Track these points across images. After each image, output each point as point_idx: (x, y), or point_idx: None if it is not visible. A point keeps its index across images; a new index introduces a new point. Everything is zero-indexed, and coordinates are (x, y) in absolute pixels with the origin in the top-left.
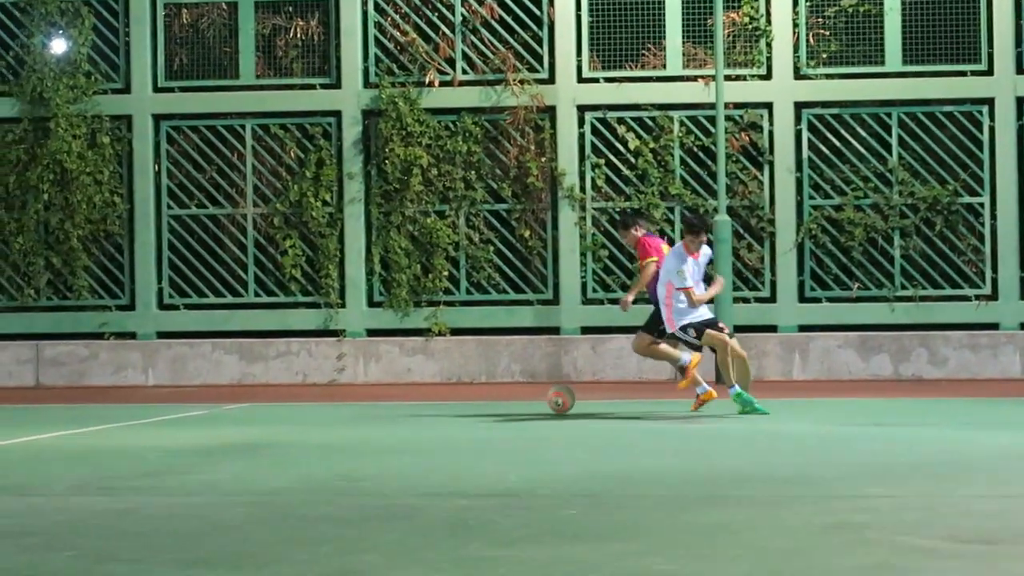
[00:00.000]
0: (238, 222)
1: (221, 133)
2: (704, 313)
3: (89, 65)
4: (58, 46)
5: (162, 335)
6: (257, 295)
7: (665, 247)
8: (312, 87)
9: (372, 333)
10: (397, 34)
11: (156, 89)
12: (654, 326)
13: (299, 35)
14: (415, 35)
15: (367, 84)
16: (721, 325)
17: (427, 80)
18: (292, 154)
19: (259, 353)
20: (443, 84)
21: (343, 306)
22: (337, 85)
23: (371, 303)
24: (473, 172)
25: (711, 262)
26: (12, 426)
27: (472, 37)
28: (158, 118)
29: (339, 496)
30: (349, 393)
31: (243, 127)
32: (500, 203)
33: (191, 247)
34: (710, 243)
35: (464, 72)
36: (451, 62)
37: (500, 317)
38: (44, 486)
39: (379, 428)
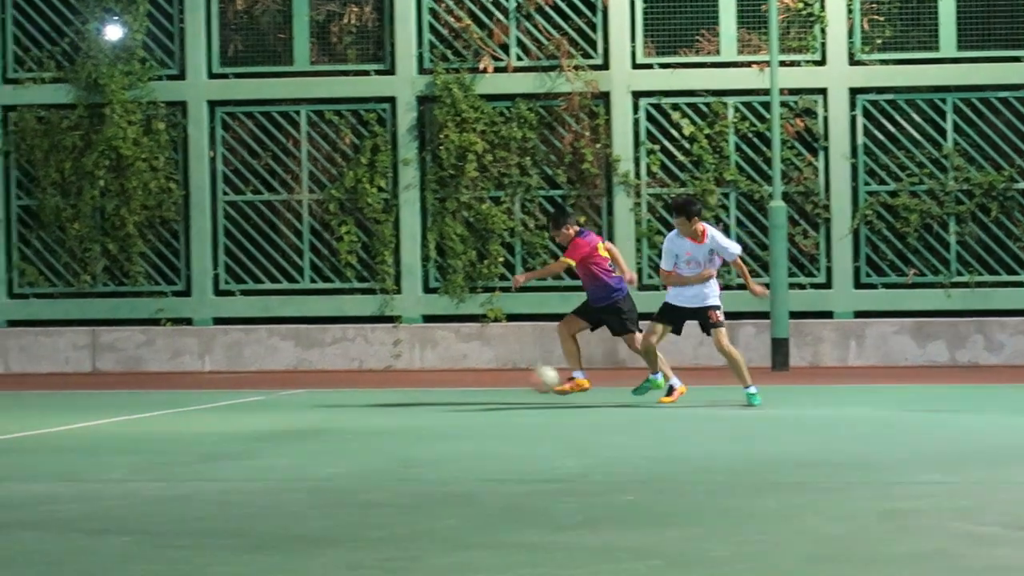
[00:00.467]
0: (293, 208)
1: (276, 119)
2: (688, 298)
3: (144, 51)
4: (113, 32)
5: (218, 321)
6: (313, 281)
7: (602, 246)
8: (366, 73)
9: (428, 319)
10: (451, 20)
11: (211, 75)
12: (583, 313)
13: (353, 21)
14: (469, 21)
15: (421, 70)
16: (716, 317)
17: (481, 66)
18: (347, 140)
19: (315, 339)
20: (497, 70)
21: (399, 292)
22: (391, 71)
23: (427, 289)
24: (528, 158)
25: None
26: (69, 412)
27: (526, 23)
28: (213, 104)
29: (395, 482)
30: (405, 379)
31: (298, 113)
32: (555, 189)
33: (247, 233)
34: (728, 229)
35: (518, 58)
36: (505, 48)
37: (555, 303)
38: (101, 472)
39: (435, 414)
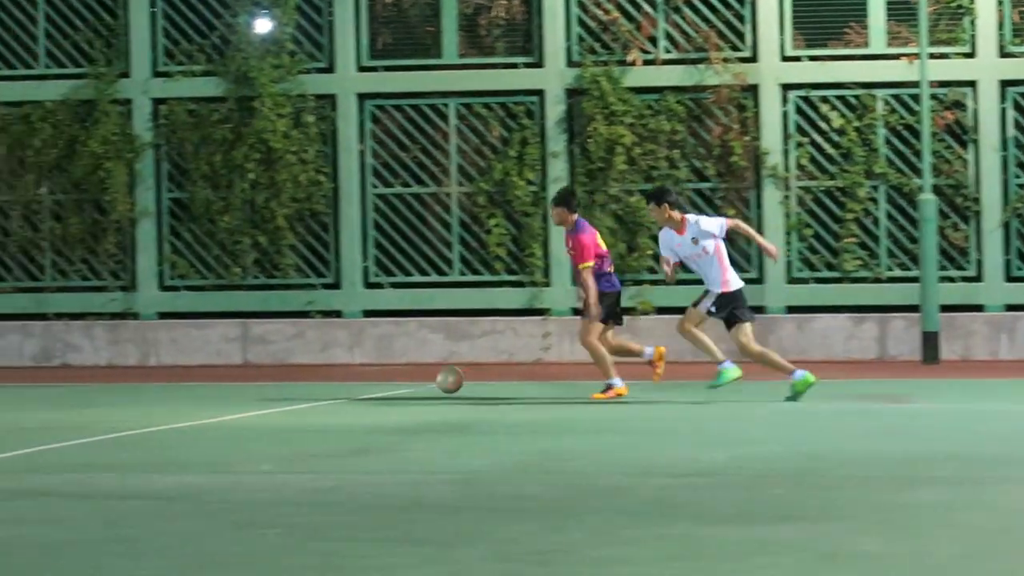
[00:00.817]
0: (442, 201)
1: (425, 112)
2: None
3: (293, 44)
4: (263, 25)
5: (368, 313)
6: (462, 274)
7: (598, 237)
8: (515, 66)
9: (576, 312)
10: (599, 13)
11: (360, 68)
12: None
13: (501, 14)
14: (618, 14)
15: (570, 63)
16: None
17: (630, 59)
18: (496, 133)
19: (464, 331)
20: (646, 63)
21: (548, 285)
22: (540, 64)
23: (576, 282)
24: (677, 151)
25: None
26: (220, 404)
27: (675, 16)
28: (362, 97)
29: (544, 475)
30: (554, 372)
31: (446, 106)
32: (704, 182)
33: (396, 226)
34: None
35: (667, 51)
36: (654, 41)
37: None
38: (252, 464)
39: (585, 407)
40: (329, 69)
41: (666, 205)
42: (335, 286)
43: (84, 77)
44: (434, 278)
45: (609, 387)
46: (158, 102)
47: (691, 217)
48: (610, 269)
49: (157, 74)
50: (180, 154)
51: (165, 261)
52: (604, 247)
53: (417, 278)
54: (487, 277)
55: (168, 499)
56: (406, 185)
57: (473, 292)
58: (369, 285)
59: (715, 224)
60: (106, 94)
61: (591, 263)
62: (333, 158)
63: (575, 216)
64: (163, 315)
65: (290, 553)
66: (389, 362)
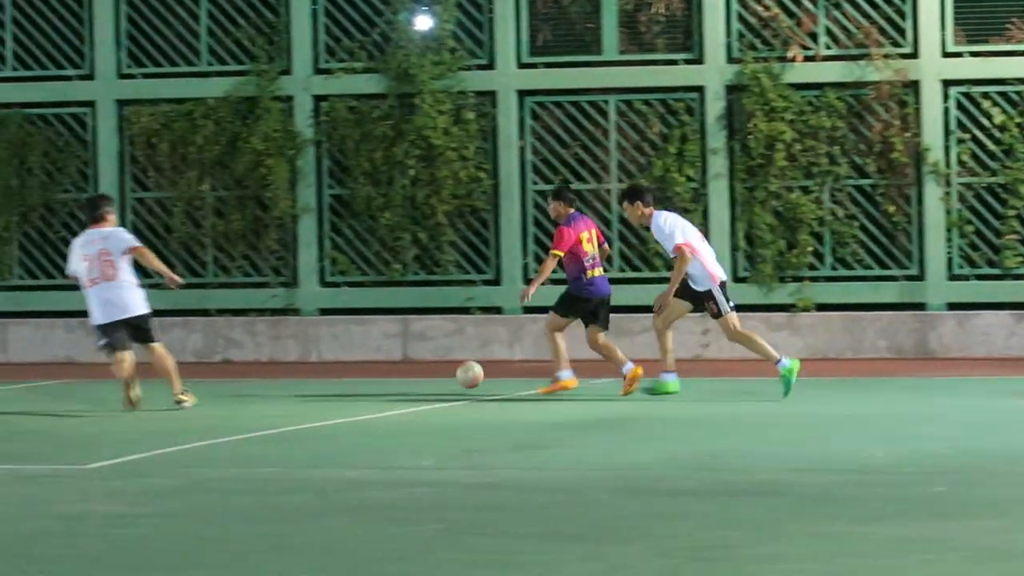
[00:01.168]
0: (602, 197)
1: (584, 109)
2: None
3: (454, 41)
4: (423, 22)
5: (528, 310)
6: (622, 270)
7: (586, 236)
8: (675, 63)
9: (737, 308)
10: (760, 9)
11: (520, 65)
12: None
13: (661, 10)
14: (778, 10)
15: (730, 59)
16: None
17: (790, 55)
18: (655, 130)
19: (625, 328)
20: (806, 59)
21: None
22: (700, 60)
23: (736, 278)
24: (837, 147)
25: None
26: (382, 400)
27: (835, 12)
28: (522, 94)
29: (703, 471)
30: (714, 368)
31: (606, 103)
32: (864, 178)
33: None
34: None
35: (827, 47)
36: (814, 37)
37: (865, 293)
38: (412, 460)
39: (744, 404)
40: (489, 66)
41: (639, 203)
42: (495, 282)
43: (246, 74)
44: None
45: (555, 379)
46: (319, 99)
47: (657, 216)
48: (593, 274)
49: (318, 71)
50: (341, 151)
51: (326, 257)
52: (591, 250)
53: None
54: (647, 274)
55: (328, 494)
56: (566, 182)
57: (633, 288)
58: (529, 281)
59: (668, 242)
60: (268, 91)
61: (561, 253)
62: (493, 154)
63: (571, 210)
64: (324, 311)
65: (449, 549)
66: (549, 358)
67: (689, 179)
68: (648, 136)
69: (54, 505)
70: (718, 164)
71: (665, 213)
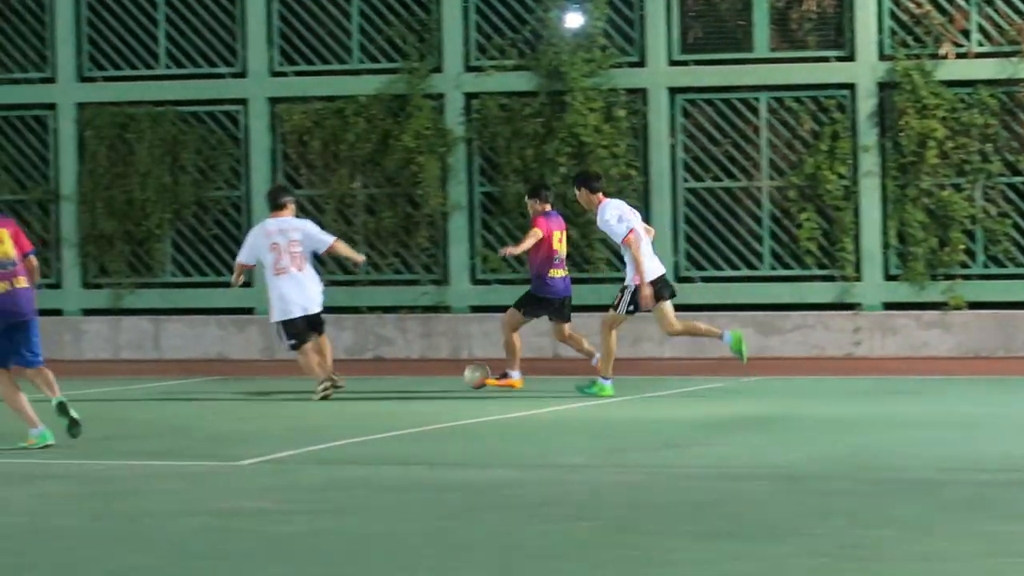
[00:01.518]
0: (753, 195)
1: (735, 106)
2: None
3: (604, 39)
4: (574, 20)
5: (678, 307)
6: (773, 268)
7: (558, 235)
8: (826, 60)
9: (888, 306)
10: (911, 6)
11: (671, 63)
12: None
13: (813, 7)
14: (930, 7)
15: (882, 57)
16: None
17: (942, 52)
18: (807, 127)
19: (775, 326)
20: (958, 56)
21: (859, 279)
22: (851, 58)
23: (887, 276)
24: (989, 145)
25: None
26: (531, 397)
27: (987, 8)
28: (673, 91)
29: (854, 470)
30: (865, 367)
31: (757, 100)
32: (1017, 176)
33: (706, 220)
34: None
35: (979, 44)
36: (966, 34)
37: (1018, 291)
38: (563, 457)
39: (895, 403)
40: (640, 63)
41: (584, 190)
42: None
43: (397, 72)
44: (744, 272)
45: (505, 375)
46: (470, 96)
47: (604, 204)
48: (556, 274)
49: (469, 69)
50: (492, 148)
51: (477, 255)
52: (560, 250)
53: (727, 272)
54: (797, 272)
55: (480, 491)
56: (717, 179)
57: (783, 286)
58: (679, 279)
59: (609, 227)
60: (419, 89)
61: (540, 232)
62: (644, 152)
63: (548, 207)
64: (475, 308)
65: (601, 546)
66: (699, 357)
67: (840, 177)
68: (799, 133)
69: (208, 501)
70: (869, 162)
71: (613, 202)
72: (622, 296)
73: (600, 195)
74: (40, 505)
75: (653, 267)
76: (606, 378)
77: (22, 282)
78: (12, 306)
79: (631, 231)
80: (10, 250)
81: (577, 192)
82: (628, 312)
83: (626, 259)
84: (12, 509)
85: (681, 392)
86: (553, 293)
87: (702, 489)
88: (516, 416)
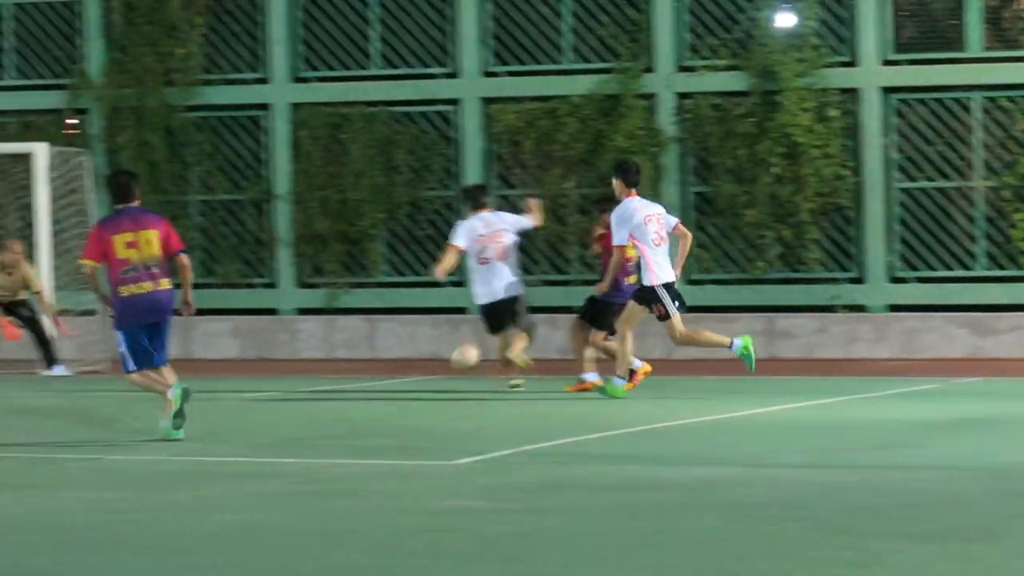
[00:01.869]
0: (966, 195)
1: (948, 106)
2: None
3: (816, 38)
4: (786, 19)
5: (892, 308)
6: (987, 268)
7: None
8: None
9: None
10: None
11: (884, 62)
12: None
13: None
14: None
15: None
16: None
17: None
18: (1021, 127)
19: (990, 327)
20: None
21: None
22: None
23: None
24: None
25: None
26: (747, 398)
27: None
28: (886, 91)
29: None
30: None
31: (970, 99)
32: None
33: (920, 220)
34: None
35: None
36: None
37: None
38: (780, 458)
39: None
40: (852, 63)
41: (620, 180)
42: (859, 280)
43: (609, 72)
44: (959, 272)
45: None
46: (682, 96)
47: (626, 203)
48: (629, 280)
49: (681, 69)
50: (704, 148)
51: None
52: (633, 256)
53: (942, 272)
54: (1013, 272)
55: (693, 491)
56: (930, 179)
57: (999, 287)
58: (893, 280)
59: (612, 224)
60: (630, 88)
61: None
62: (856, 152)
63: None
64: (690, 309)
65: (816, 547)
66: (913, 357)
67: None
68: (1013, 133)
69: (424, 500)
70: None
71: (633, 202)
72: (660, 302)
73: (633, 191)
74: (256, 503)
75: (664, 273)
76: (621, 378)
77: (165, 284)
78: (153, 305)
79: (622, 247)
80: (156, 251)
81: (614, 181)
82: (677, 309)
83: (640, 262)
84: (229, 507)
85: (896, 393)
86: (622, 299)
87: (917, 491)
88: (730, 416)
